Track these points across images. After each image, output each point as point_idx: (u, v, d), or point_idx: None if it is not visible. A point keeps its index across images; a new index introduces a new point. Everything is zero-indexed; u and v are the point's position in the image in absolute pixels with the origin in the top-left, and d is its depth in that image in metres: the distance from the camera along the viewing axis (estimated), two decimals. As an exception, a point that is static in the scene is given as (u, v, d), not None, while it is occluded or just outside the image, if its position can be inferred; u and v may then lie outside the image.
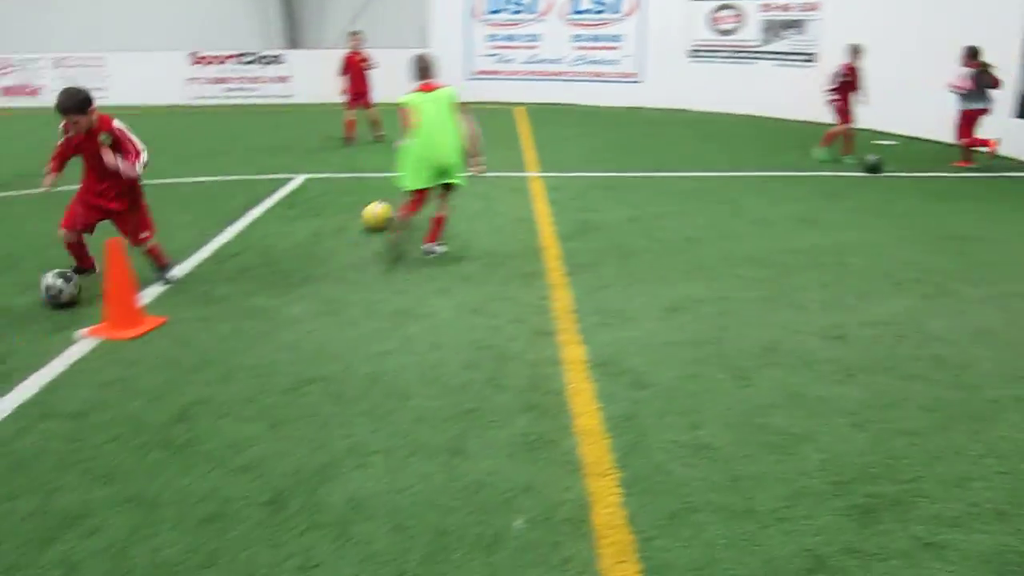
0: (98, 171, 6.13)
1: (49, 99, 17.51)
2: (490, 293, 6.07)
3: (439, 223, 7.05)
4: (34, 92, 21.54)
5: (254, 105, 20.62)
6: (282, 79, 21.14)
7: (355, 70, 13.48)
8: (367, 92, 13.57)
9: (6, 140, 15.23)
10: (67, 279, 5.90)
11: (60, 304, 5.82)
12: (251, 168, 11.38)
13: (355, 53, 13.53)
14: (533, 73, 20.50)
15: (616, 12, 19.69)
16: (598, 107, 19.31)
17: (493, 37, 20.67)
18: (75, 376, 4.76)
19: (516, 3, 20.35)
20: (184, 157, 12.52)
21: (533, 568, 3.05)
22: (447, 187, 6.93)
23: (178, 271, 6.60)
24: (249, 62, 21.37)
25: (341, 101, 13.74)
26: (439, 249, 7.03)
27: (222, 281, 6.43)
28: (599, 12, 19.88)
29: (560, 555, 3.12)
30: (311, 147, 13.33)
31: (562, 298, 5.97)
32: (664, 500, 3.43)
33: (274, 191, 9.74)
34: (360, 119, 13.64)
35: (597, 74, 20.15)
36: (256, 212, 8.73)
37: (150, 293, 6.08)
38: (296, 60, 21.13)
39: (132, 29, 22.83)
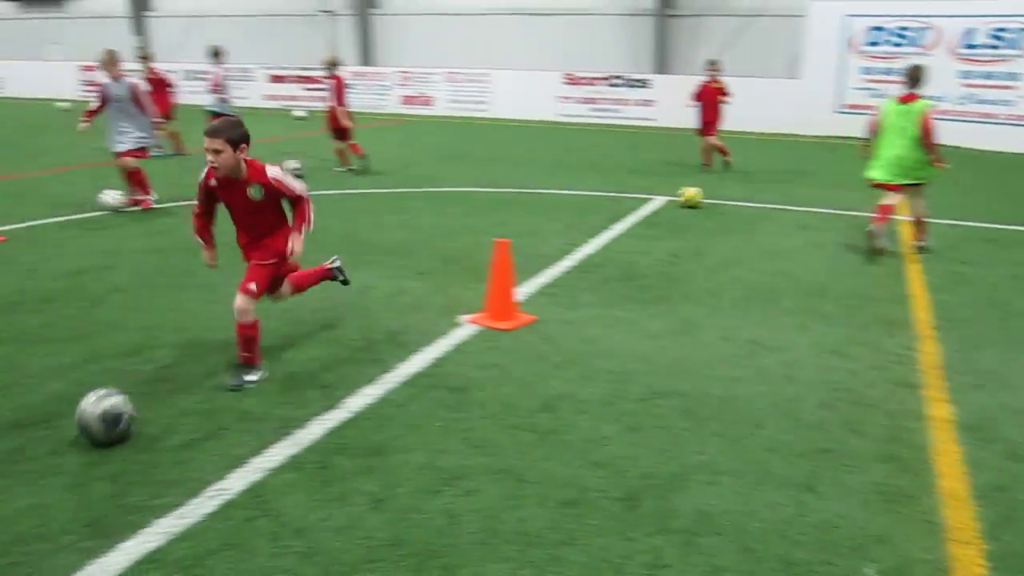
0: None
1: (441, 108, 19.50)
2: (850, 336, 5.89)
3: (918, 224, 8.32)
4: (427, 102, 24.18)
5: (618, 125, 21.47)
6: (647, 102, 21.79)
7: (709, 99, 13.58)
8: (715, 121, 13.62)
9: (400, 144, 17.26)
10: None
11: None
12: (614, 186, 11.93)
13: (712, 81, 13.62)
14: (911, 111, 19.20)
15: (1015, 48, 17.87)
16: (983, 151, 17.65)
17: (868, 70, 19.67)
18: (459, 356, 5.39)
19: (899, 35, 19.21)
20: (553, 169, 13.43)
21: (883, 619, 2.98)
22: (913, 187, 8.17)
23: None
24: (617, 85, 22.29)
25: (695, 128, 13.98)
26: (925, 243, 8.31)
27: (586, 290, 6.86)
28: (994, 48, 18.15)
29: (914, 613, 3.02)
30: (671, 170, 13.64)
31: (929, 352, 5.64)
32: (1039, 583, 3.18)
33: (635, 210, 10.14)
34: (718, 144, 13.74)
35: (986, 115, 18.41)
36: (618, 228, 9.16)
37: (523, 292, 6.66)
38: (662, 85, 21.67)
39: (515, 49, 24.80)
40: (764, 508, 3.66)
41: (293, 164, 11.82)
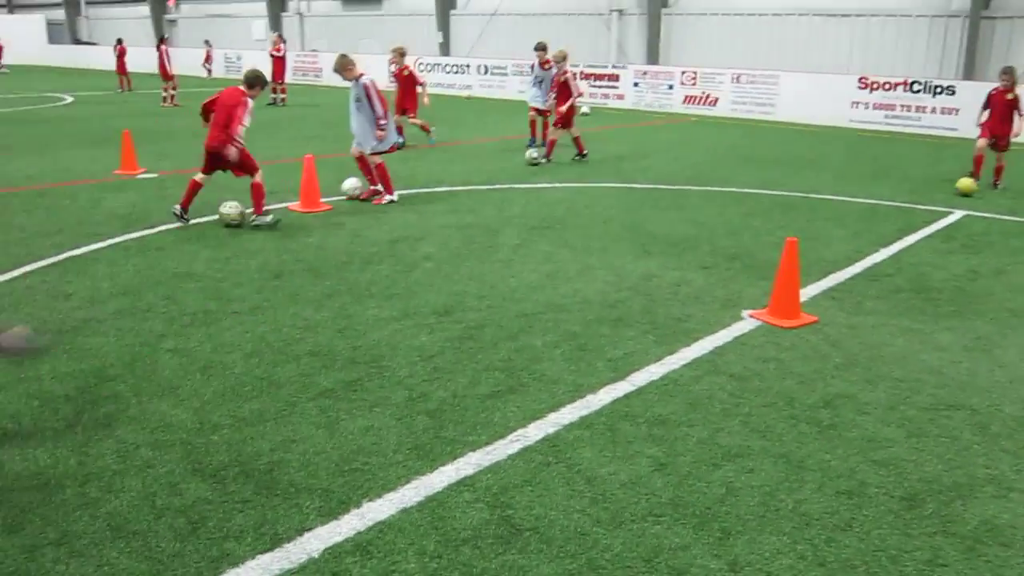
0: None
1: (725, 109, 19.42)
2: None
3: None
4: (712, 102, 24.07)
5: (916, 134, 20.21)
6: (950, 111, 20.30)
7: (1000, 107, 12.32)
8: (1005, 134, 12.28)
9: (683, 144, 17.39)
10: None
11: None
12: (908, 196, 11.38)
13: (1006, 90, 12.29)
14: None
15: None
16: None
17: None
18: (739, 347, 5.56)
19: None
20: (844, 177, 13.01)
21: None
22: None
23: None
24: (917, 91, 20.95)
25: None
26: None
27: (873, 297, 6.74)
28: None
29: None
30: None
31: None
32: None
33: (931, 222, 9.66)
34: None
35: None
36: (910, 239, 8.80)
37: (806, 293, 6.67)
38: (969, 92, 20.07)
39: (806, 51, 24.02)
40: (1059, 529, 3.55)
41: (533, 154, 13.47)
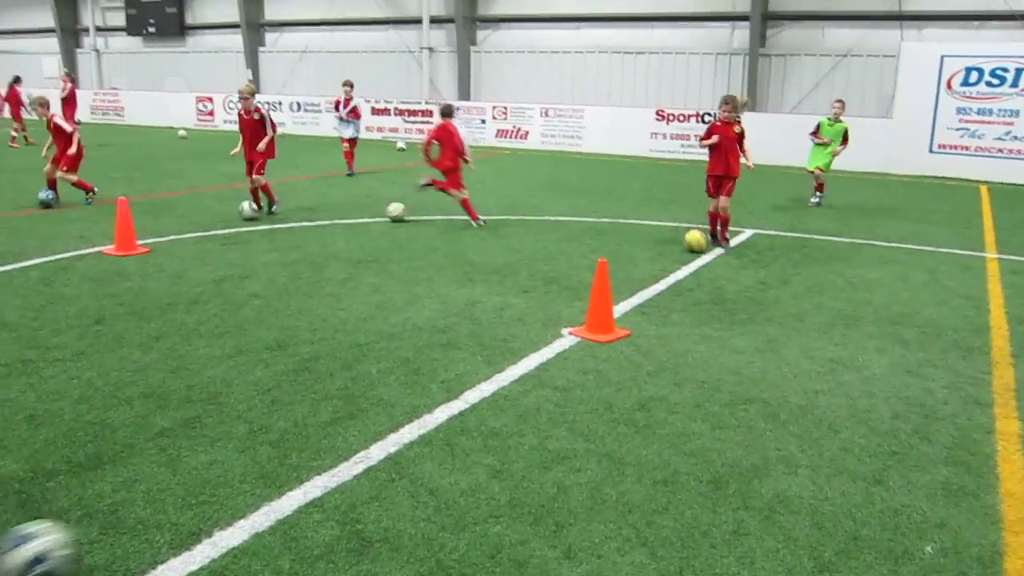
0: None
1: (535, 142, 20.41)
2: (927, 359, 6.28)
3: None
4: (524, 135, 25.05)
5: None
6: (737, 139, 22.17)
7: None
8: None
9: (498, 176, 18.06)
10: None
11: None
12: (704, 218, 12.40)
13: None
14: (1005, 151, 19.17)
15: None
16: (1081, 194, 17.49)
17: (964, 110, 19.70)
18: (561, 361, 6.00)
19: (999, 76, 19.20)
20: (647, 202, 14.00)
21: (938, 586, 3.44)
22: None
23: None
24: (708, 121, 22.72)
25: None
26: None
27: (677, 310, 7.41)
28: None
29: (966, 583, 3.47)
30: (761, 205, 14.05)
31: (1004, 376, 5.99)
32: (1084, 566, 3.58)
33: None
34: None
35: (1086, 156, 18.25)
36: (707, 257, 9.67)
37: (619, 310, 7.24)
38: (753, 122, 22.00)
39: (607, 86, 25.52)
40: (837, 495, 4.14)
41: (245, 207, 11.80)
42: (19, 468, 4.26)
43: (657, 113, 23.25)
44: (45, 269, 8.53)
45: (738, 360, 6.13)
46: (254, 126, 12.05)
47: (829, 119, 14.10)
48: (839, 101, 14.21)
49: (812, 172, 14.20)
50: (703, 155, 22.11)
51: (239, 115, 12.37)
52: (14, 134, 22.41)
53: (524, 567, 3.47)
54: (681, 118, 23.01)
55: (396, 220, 11.69)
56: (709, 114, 22.62)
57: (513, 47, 27.20)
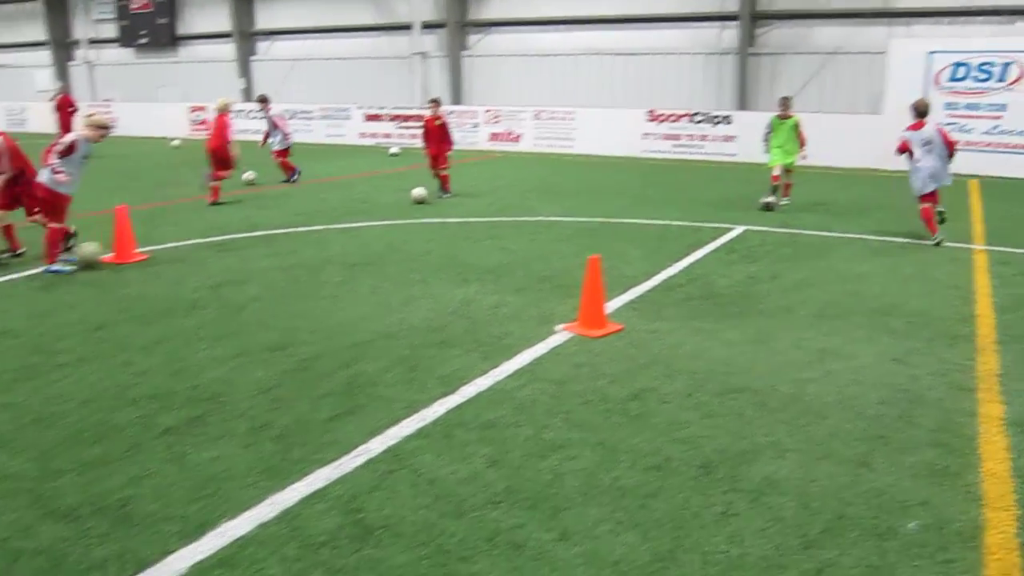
0: None
1: (528, 145, 20.55)
2: (913, 348, 6.42)
3: None
4: (515, 138, 25.21)
5: (700, 161, 22.08)
6: (728, 138, 22.35)
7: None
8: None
9: (491, 178, 18.21)
10: None
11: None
12: (695, 216, 12.57)
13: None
14: (993, 145, 19.35)
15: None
16: (1069, 186, 17.67)
17: (952, 106, 19.88)
18: (555, 356, 6.13)
19: (985, 71, 19.40)
20: (639, 202, 14.15)
21: (919, 560, 3.57)
22: None
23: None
24: (699, 121, 22.92)
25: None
26: None
27: (669, 305, 7.55)
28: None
29: (946, 556, 3.60)
30: (751, 203, 14.19)
31: (988, 362, 6.13)
32: (1060, 538, 3.72)
33: (715, 238, 10.78)
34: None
35: (1071, 149, 18.43)
36: (699, 254, 9.82)
37: (611, 306, 7.37)
38: (744, 121, 22.21)
39: (599, 88, 25.66)
40: (823, 477, 4.28)
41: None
42: (30, 467, 4.39)
43: (649, 114, 23.40)
44: (46, 279, 8.64)
45: (729, 352, 6.26)
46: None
47: (777, 117, 13.88)
48: (784, 98, 14.03)
49: (775, 174, 14.12)
50: (694, 154, 22.30)
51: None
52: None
53: (521, 549, 3.60)
54: (672, 118, 23.18)
55: (418, 202, 13.04)
56: (700, 114, 22.81)
57: (504, 51, 27.37)
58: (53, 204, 8.84)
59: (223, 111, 14.08)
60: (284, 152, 17.12)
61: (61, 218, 8.92)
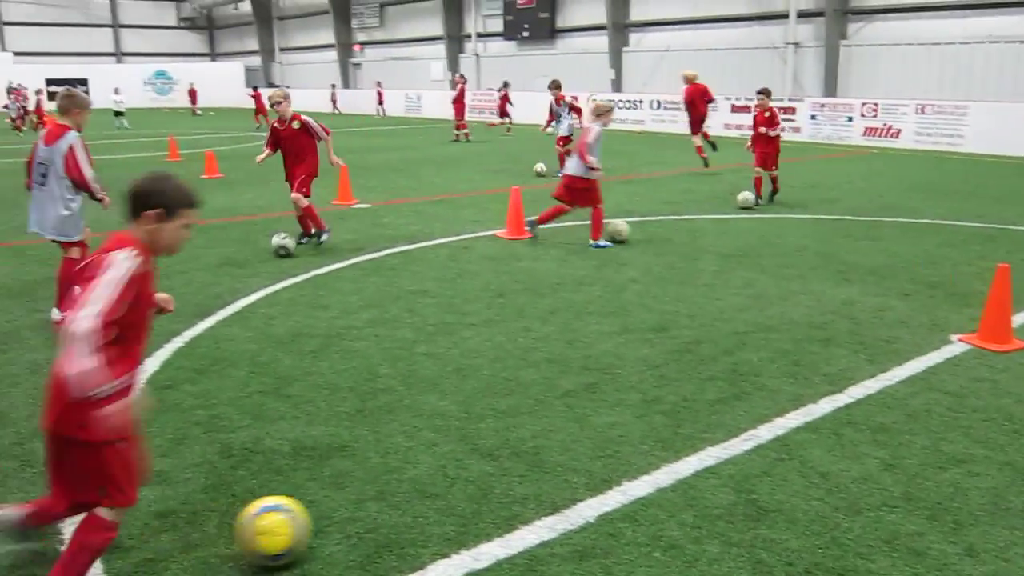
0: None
1: (908, 141, 19.18)
2: None
3: None
4: (896, 134, 23.57)
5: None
6: None
7: None
8: None
9: (867, 176, 17.25)
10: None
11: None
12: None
13: None
14: None
15: None
16: None
17: None
18: (951, 367, 5.79)
19: None
20: None
21: None
22: None
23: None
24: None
25: None
26: None
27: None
28: None
29: None
30: None
31: None
32: None
33: None
34: None
35: None
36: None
37: (1016, 320, 6.75)
38: None
39: (997, 79, 23.01)
40: None
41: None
42: (455, 409, 5.08)
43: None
44: (451, 247, 9.77)
45: None
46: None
47: None
48: None
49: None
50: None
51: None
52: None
53: (922, 557, 3.52)
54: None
55: (744, 207, 12.53)
56: None
57: (888, 40, 25.59)
58: (594, 190, 9.74)
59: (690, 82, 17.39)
60: (566, 139, 16.79)
61: (600, 199, 9.83)
